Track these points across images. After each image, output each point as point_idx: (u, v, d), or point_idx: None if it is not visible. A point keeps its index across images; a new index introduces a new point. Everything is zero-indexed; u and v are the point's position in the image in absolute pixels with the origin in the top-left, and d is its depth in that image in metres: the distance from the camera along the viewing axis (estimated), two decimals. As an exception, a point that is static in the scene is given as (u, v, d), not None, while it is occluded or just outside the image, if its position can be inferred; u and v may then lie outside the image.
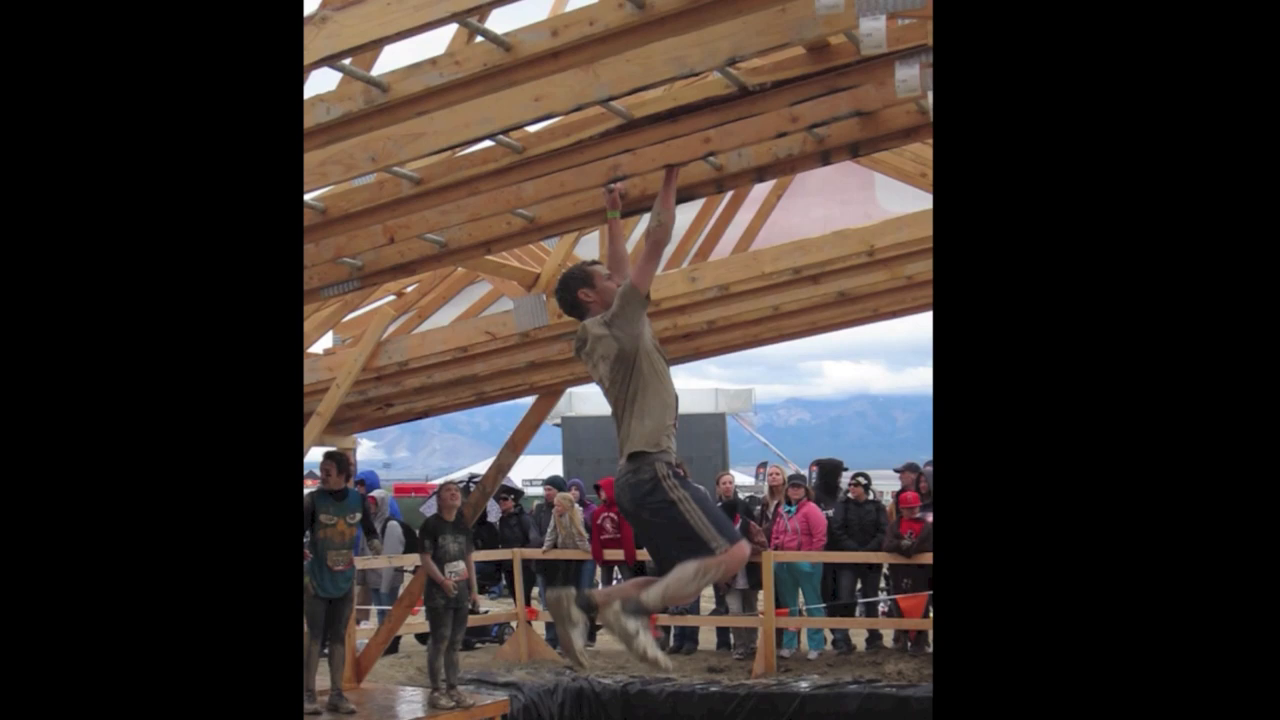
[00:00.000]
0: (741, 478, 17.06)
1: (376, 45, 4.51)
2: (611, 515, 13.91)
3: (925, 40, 4.86)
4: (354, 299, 9.11)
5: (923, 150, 7.33)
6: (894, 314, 10.35)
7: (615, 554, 13.90)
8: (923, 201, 7.74)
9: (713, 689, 12.16)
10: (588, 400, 22.11)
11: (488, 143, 5.47)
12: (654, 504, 5.11)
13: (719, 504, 4.86)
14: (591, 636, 10.81)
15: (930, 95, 5.11)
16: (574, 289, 5.44)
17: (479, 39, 4.63)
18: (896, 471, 14.43)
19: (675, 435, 5.29)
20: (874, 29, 4.39)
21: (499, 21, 4.66)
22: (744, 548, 5.23)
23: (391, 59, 4.89)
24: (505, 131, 5.27)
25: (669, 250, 8.26)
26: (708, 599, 14.41)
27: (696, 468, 15.65)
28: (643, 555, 13.69)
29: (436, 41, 5.12)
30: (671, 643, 13.93)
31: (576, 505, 14.38)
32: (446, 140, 5.17)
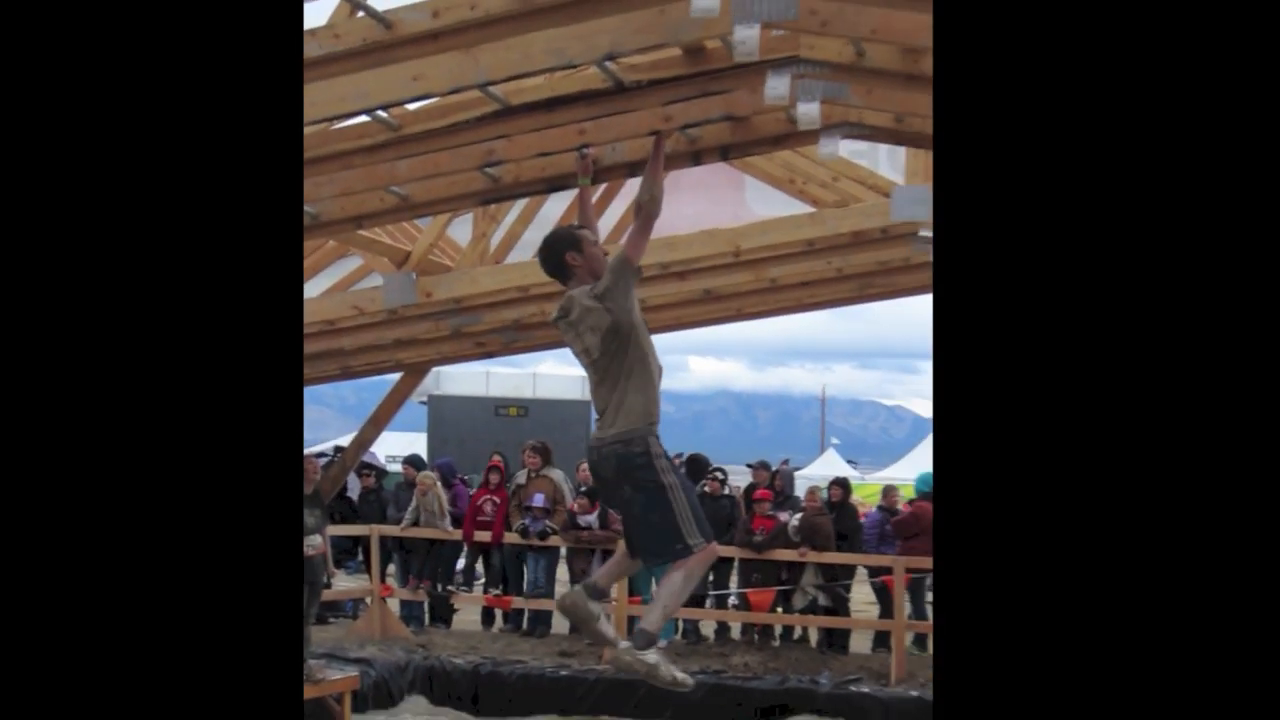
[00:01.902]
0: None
1: (257, 14, 4.47)
2: (494, 498, 13.89)
3: (797, 51, 4.94)
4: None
5: (792, 157, 7.42)
6: (758, 314, 10.44)
7: (484, 535, 13.88)
8: (791, 206, 7.83)
9: (563, 673, 12.15)
10: (455, 380, 21.96)
11: (364, 118, 5.43)
12: (641, 480, 5.03)
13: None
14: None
15: (800, 106, 5.21)
16: (560, 251, 5.29)
17: (360, 14, 4.61)
18: (749, 467, 14.55)
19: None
20: (748, 36, 4.46)
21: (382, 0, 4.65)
22: (716, 546, 5.25)
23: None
24: (382, 108, 5.24)
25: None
26: (563, 583, 14.43)
27: (561, 454, 15.64)
28: (512, 538, 13.74)
29: (318, 13, 5.08)
30: (525, 625, 13.91)
31: (439, 484, 14.28)
32: (321, 112, 5.11)
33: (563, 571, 14.27)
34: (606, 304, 5.06)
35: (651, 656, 5.06)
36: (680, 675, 5.14)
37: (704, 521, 5.12)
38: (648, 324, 5.37)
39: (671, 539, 5.02)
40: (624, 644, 5.15)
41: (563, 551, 14.07)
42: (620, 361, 5.11)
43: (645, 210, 5.20)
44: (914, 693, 11.63)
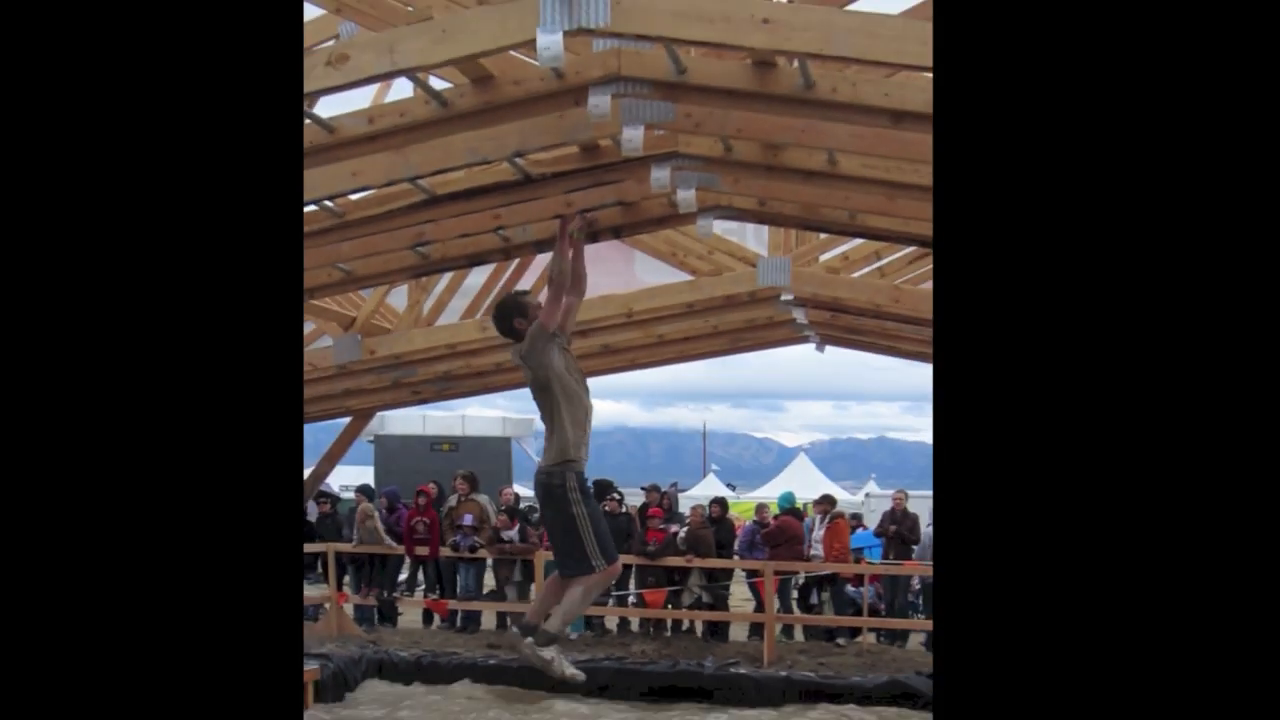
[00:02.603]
0: (522, 490, 16.97)
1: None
2: (424, 519, 13.81)
3: (676, 148, 4.91)
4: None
5: (674, 235, 7.38)
6: (648, 364, 10.42)
7: (423, 550, 13.84)
8: (674, 275, 7.84)
9: (490, 661, 12.04)
10: (396, 422, 21.78)
11: (313, 207, 5.31)
12: (558, 507, 5.01)
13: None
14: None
15: (679, 192, 5.18)
16: (510, 317, 5.25)
17: (308, 121, 4.49)
18: (643, 489, 14.56)
19: (588, 443, 5.14)
20: (634, 135, 4.42)
21: (325, 107, 4.55)
22: (618, 566, 5.21)
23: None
24: (328, 199, 5.13)
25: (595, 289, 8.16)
26: (489, 587, 14.29)
27: (486, 481, 15.51)
28: (445, 551, 13.63)
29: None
30: (459, 623, 13.76)
31: (376, 514, 14.20)
32: (276, 203, 5.00)
33: (489, 578, 14.25)
34: (529, 364, 5.05)
35: (548, 653, 5.07)
36: (571, 671, 5.15)
37: (610, 546, 5.08)
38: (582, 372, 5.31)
39: (579, 559, 5.00)
40: (528, 639, 5.08)
41: (489, 562, 14.00)
42: (546, 407, 5.08)
43: (555, 282, 5.15)
44: (782, 673, 11.61)
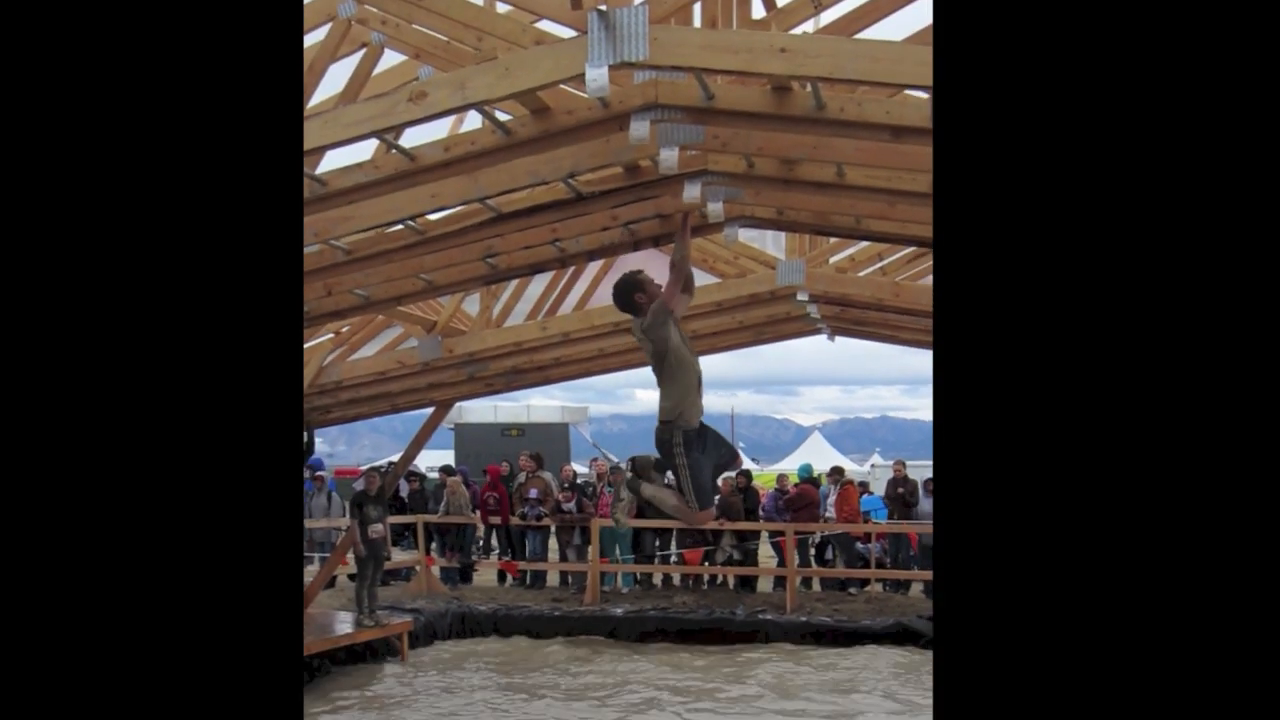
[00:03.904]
0: (580, 468, 16.96)
1: (319, 151, 4.33)
2: (494, 494, 13.77)
3: (705, 165, 4.85)
4: (305, 335, 8.79)
5: (704, 242, 7.31)
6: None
7: (495, 520, 13.84)
8: (704, 278, 7.75)
9: (556, 613, 12.03)
10: (472, 411, 21.83)
11: (399, 226, 5.30)
12: (668, 456, 4.96)
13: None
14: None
15: (709, 205, 5.11)
16: (630, 293, 5.04)
17: (393, 150, 4.48)
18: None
19: (699, 404, 5.03)
20: (670, 156, 4.37)
21: (408, 139, 4.52)
22: (708, 515, 5.10)
23: (330, 162, 4.72)
24: (411, 218, 5.11)
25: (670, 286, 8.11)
26: (553, 552, 14.26)
27: (549, 460, 15.49)
28: (515, 520, 13.61)
29: (363, 150, 4.94)
30: (528, 581, 13.72)
31: (462, 486, 14.17)
32: (369, 222, 5.00)
33: (553, 543, 14.18)
34: (651, 336, 4.91)
35: (648, 490, 5.31)
36: (656, 491, 5.25)
37: (706, 496, 5.02)
38: (694, 346, 5.21)
39: (681, 499, 4.99)
40: (630, 477, 5.27)
41: (552, 529, 13.93)
42: (661, 373, 4.98)
43: (677, 267, 5.06)
44: (803, 618, 11.54)
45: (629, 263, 7.89)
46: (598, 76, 3.43)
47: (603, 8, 3.42)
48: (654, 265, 7.91)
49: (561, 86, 4.02)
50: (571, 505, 13.55)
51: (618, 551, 13.44)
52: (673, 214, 5.45)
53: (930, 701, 2.32)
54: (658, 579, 13.68)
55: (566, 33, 3.76)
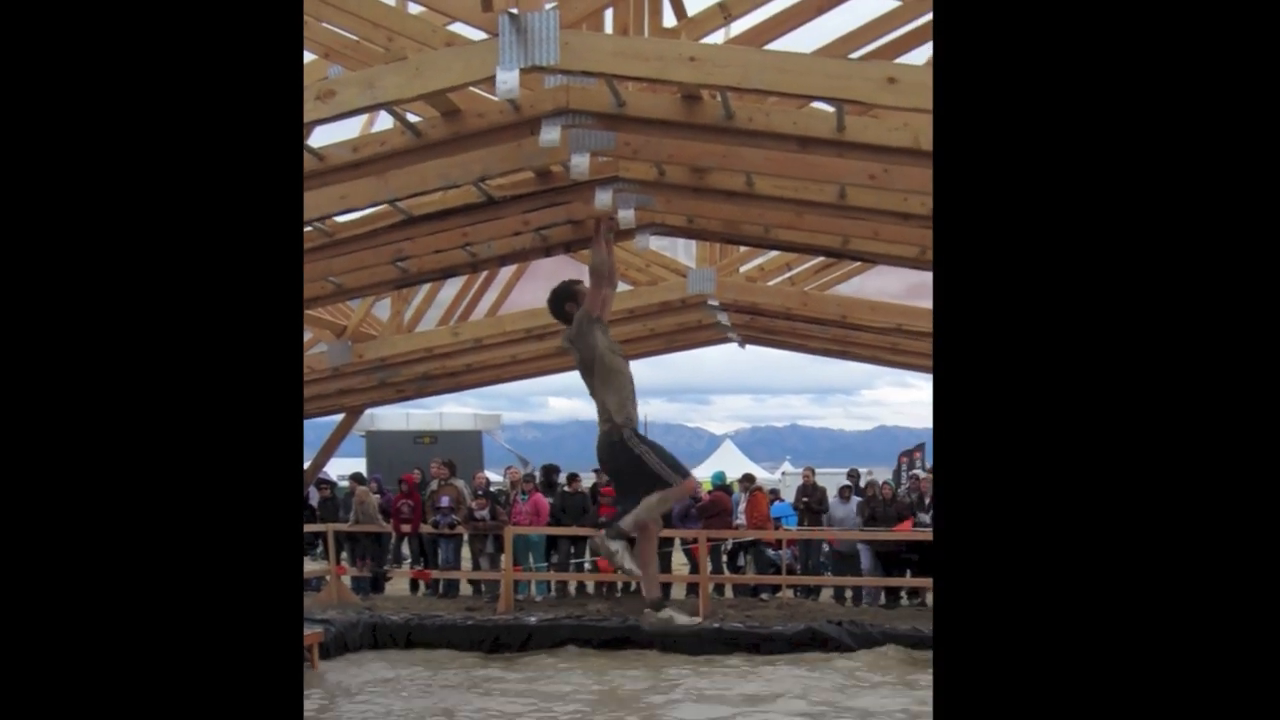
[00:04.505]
0: (493, 475, 16.81)
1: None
2: (408, 501, 13.61)
3: (616, 172, 4.86)
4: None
5: (616, 250, 7.32)
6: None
7: (407, 528, 13.67)
8: (617, 286, 7.77)
9: (469, 622, 11.90)
10: (383, 418, 21.52)
11: (307, 228, 5.20)
12: (624, 457, 4.87)
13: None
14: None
15: (620, 211, 5.12)
16: (563, 302, 5.11)
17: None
18: (594, 472, 14.48)
19: (635, 404, 4.99)
20: (580, 162, 4.38)
21: (316, 138, 4.44)
22: (692, 481, 5.06)
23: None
24: (319, 220, 5.02)
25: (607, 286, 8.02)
26: (466, 560, 14.13)
27: (461, 468, 15.32)
28: (427, 528, 13.45)
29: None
30: (440, 589, 13.57)
31: (371, 496, 14.01)
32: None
33: (465, 551, 14.06)
34: (577, 346, 4.94)
35: (615, 545, 4.87)
36: (630, 566, 4.97)
37: (680, 466, 4.96)
38: (624, 352, 5.19)
39: (659, 483, 4.87)
40: (603, 531, 4.99)
41: (465, 537, 13.81)
42: (591, 380, 4.96)
43: (595, 273, 5.05)
44: (715, 624, 11.59)
45: (541, 269, 7.89)
46: (508, 79, 3.42)
47: (514, 11, 3.41)
48: (567, 272, 7.92)
49: (472, 89, 3.99)
50: (485, 513, 13.44)
51: (531, 559, 13.38)
52: (585, 220, 5.46)
53: (847, 703, 2.28)
54: (572, 587, 13.64)
55: (478, 35, 3.74)
